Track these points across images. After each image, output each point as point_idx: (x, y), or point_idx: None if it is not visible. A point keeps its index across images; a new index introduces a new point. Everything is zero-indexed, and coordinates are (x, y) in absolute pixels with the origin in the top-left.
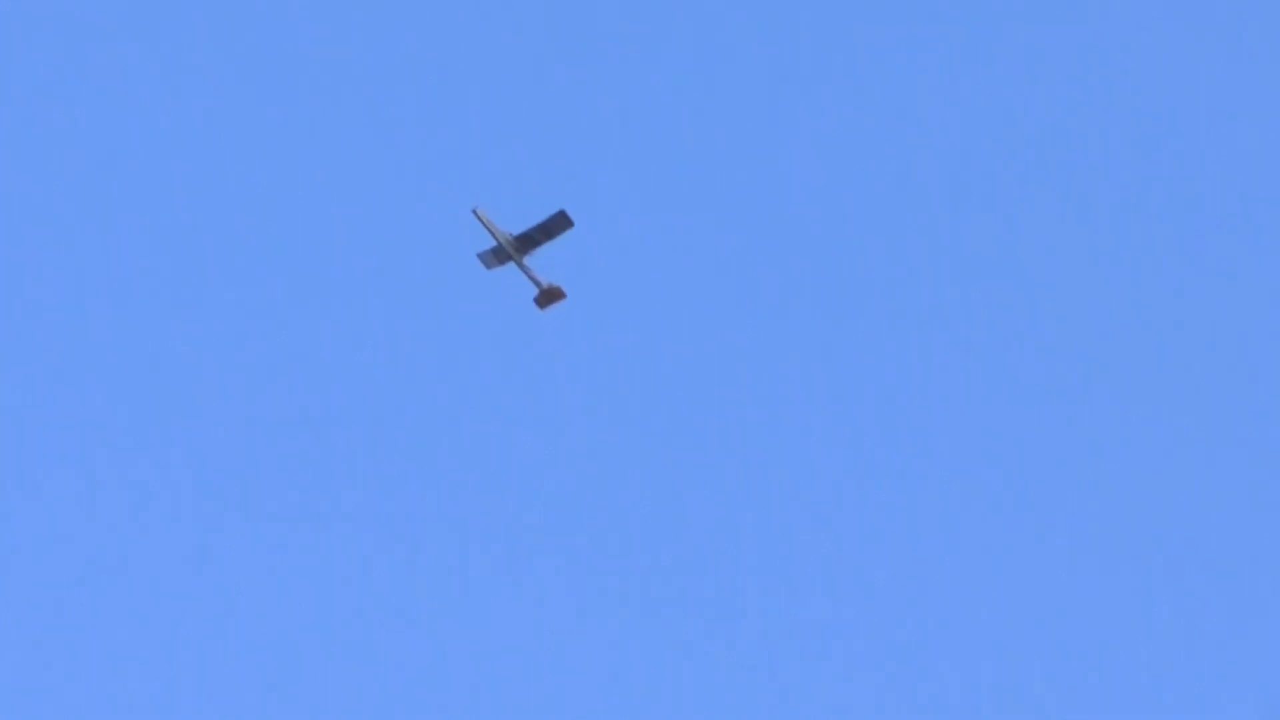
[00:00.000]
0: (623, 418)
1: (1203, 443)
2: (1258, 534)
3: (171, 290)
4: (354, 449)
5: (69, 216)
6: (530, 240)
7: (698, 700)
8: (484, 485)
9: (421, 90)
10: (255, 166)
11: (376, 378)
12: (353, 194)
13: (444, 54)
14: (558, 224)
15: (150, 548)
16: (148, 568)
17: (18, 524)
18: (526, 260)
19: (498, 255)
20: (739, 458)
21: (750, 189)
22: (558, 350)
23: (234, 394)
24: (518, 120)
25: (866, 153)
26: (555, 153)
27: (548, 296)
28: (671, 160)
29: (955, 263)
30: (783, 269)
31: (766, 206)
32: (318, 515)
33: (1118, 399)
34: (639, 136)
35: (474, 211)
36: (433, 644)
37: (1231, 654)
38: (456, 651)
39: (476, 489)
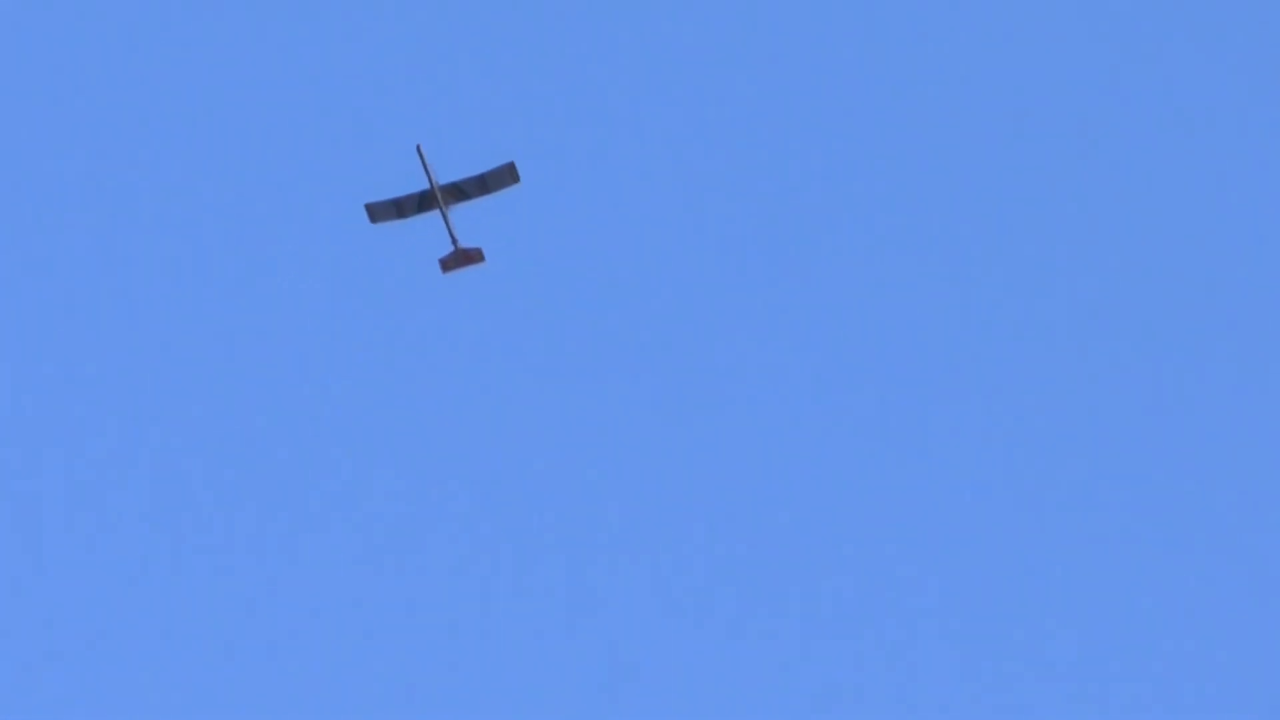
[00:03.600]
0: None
1: (1201, 442)
2: (1258, 534)
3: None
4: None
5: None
6: (460, 191)
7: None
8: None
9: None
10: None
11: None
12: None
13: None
14: (502, 177)
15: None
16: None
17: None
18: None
19: (399, 207)
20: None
21: (719, 175)
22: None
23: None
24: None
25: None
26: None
27: (460, 258)
28: (635, 135)
29: (943, 258)
30: (740, 255)
31: (736, 194)
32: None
33: (1117, 398)
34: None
35: (417, 148)
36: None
37: (1231, 654)
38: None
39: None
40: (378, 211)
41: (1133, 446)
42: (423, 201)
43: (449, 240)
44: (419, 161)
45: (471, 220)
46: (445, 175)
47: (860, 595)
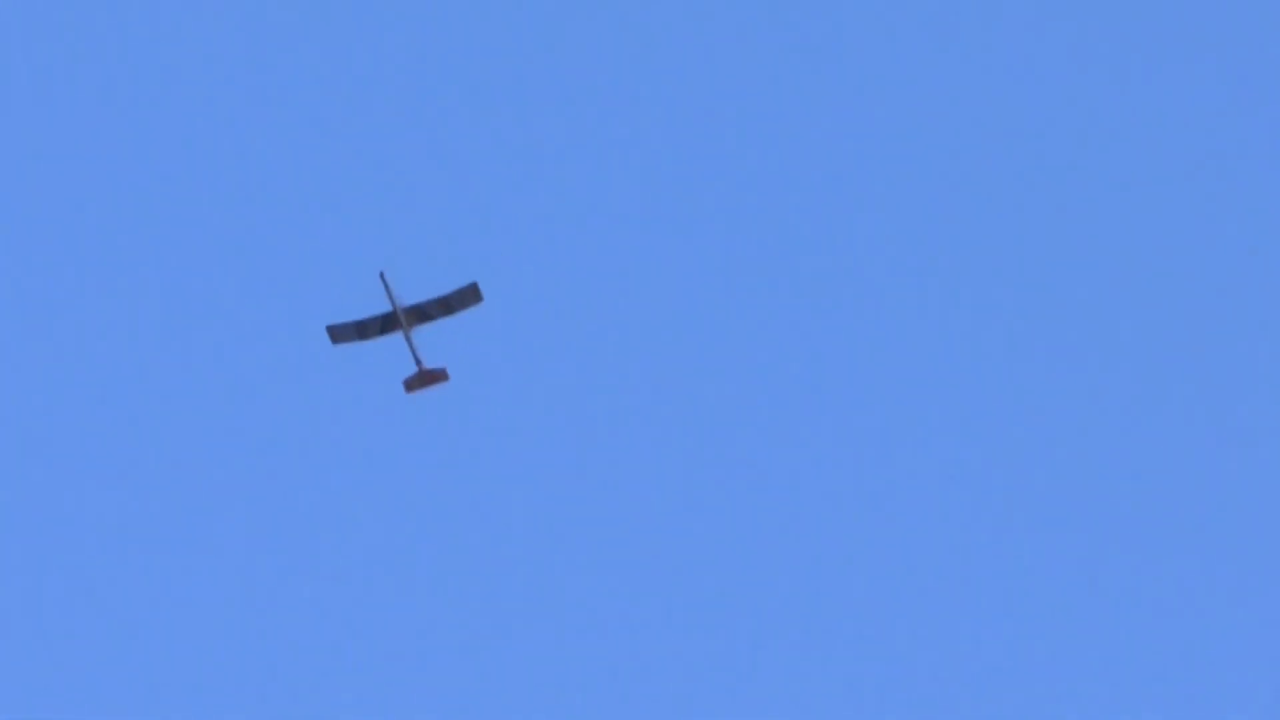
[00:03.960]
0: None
1: (1201, 441)
2: (1257, 535)
3: None
4: None
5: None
6: (423, 313)
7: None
8: None
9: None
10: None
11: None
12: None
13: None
14: (465, 297)
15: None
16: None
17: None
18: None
19: (362, 330)
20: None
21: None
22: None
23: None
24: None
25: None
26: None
27: (424, 379)
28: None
29: (933, 256)
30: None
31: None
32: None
33: (1116, 400)
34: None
35: (380, 275)
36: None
37: (1231, 654)
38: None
39: None
40: (339, 333)
41: (1131, 444)
42: (385, 324)
43: (412, 361)
44: (381, 285)
45: (434, 339)
46: (409, 296)
47: (859, 598)
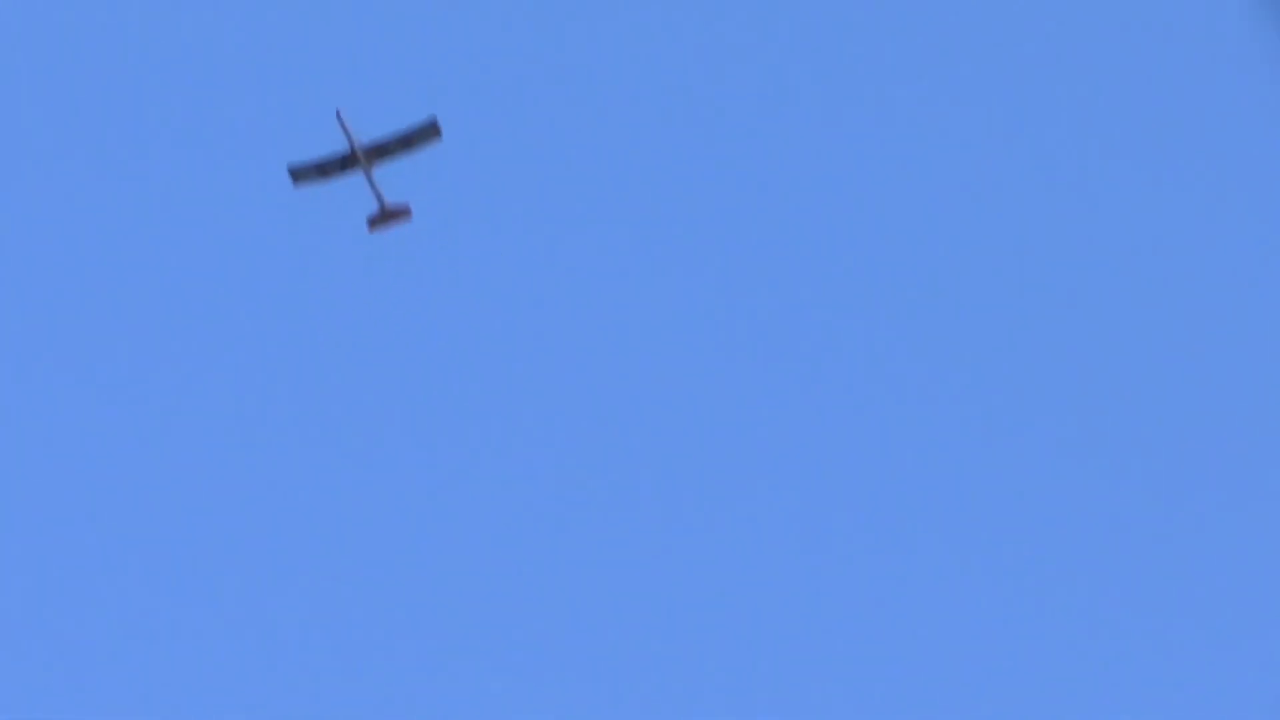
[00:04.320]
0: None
1: (1201, 441)
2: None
3: None
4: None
5: None
6: (383, 150)
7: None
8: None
9: None
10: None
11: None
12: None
13: None
14: (425, 133)
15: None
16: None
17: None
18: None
19: (323, 169)
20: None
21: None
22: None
23: None
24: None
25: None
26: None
27: (386, 216)
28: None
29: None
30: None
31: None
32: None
33: (1116, 402)
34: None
35: (337, 113)
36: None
37: (1231, 654)
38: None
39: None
40: (300, 174)
41: (1131, 445)
42: (345, 163)
43: (374, 199)
44: (338, 125)
45: (395, 177)
46: (366, 133)
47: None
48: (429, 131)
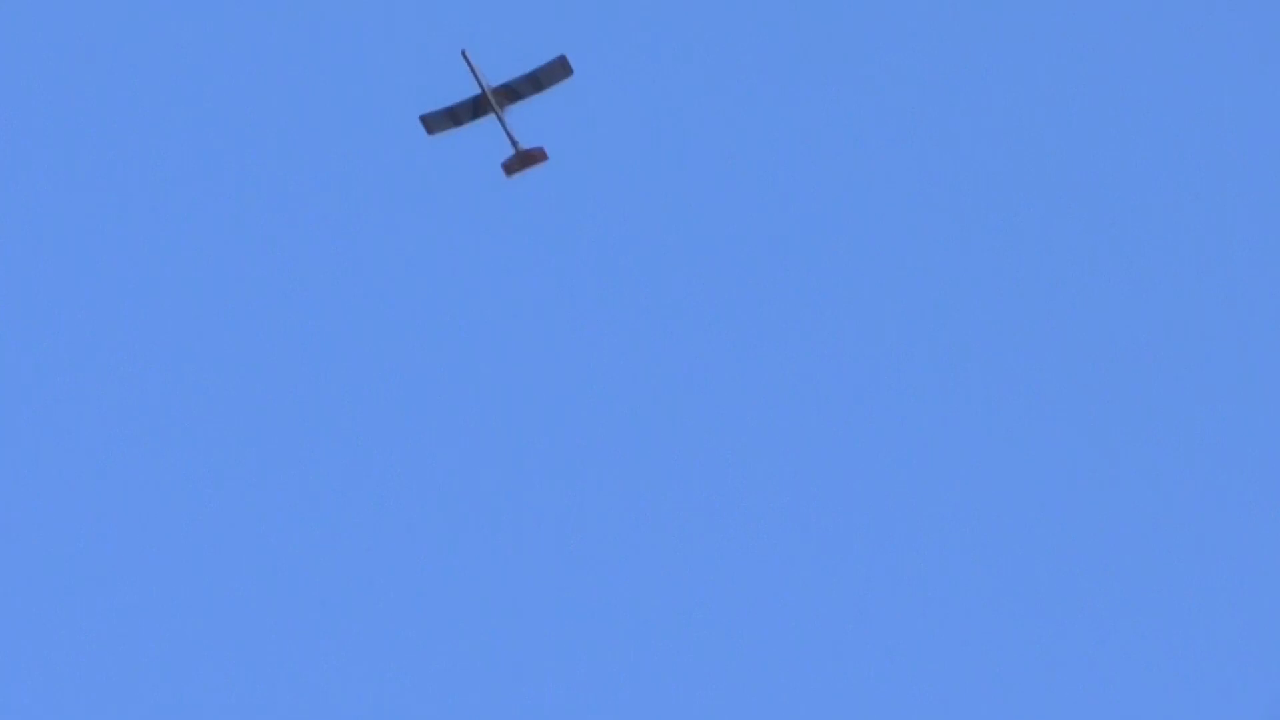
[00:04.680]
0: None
1: (1201, 443)
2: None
3: None
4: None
5: None
6: (514, 92)
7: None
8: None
9: None
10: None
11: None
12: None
13: None
14: (554, 72)
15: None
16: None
17: None
18: (507, 116)
19: (454, 116)
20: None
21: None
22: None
23: None
24: None
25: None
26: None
27: (523, 160)
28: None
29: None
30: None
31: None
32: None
33: (1115, 403)
34: None
35: (463, 54)
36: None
37: (1231, 654)
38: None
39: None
40: (433, 123)
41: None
42: (477, 107)
43: (509, 144)
44: (466, 68)
45: (528, 119)
46: (495, 77)
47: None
48: (560, 69)
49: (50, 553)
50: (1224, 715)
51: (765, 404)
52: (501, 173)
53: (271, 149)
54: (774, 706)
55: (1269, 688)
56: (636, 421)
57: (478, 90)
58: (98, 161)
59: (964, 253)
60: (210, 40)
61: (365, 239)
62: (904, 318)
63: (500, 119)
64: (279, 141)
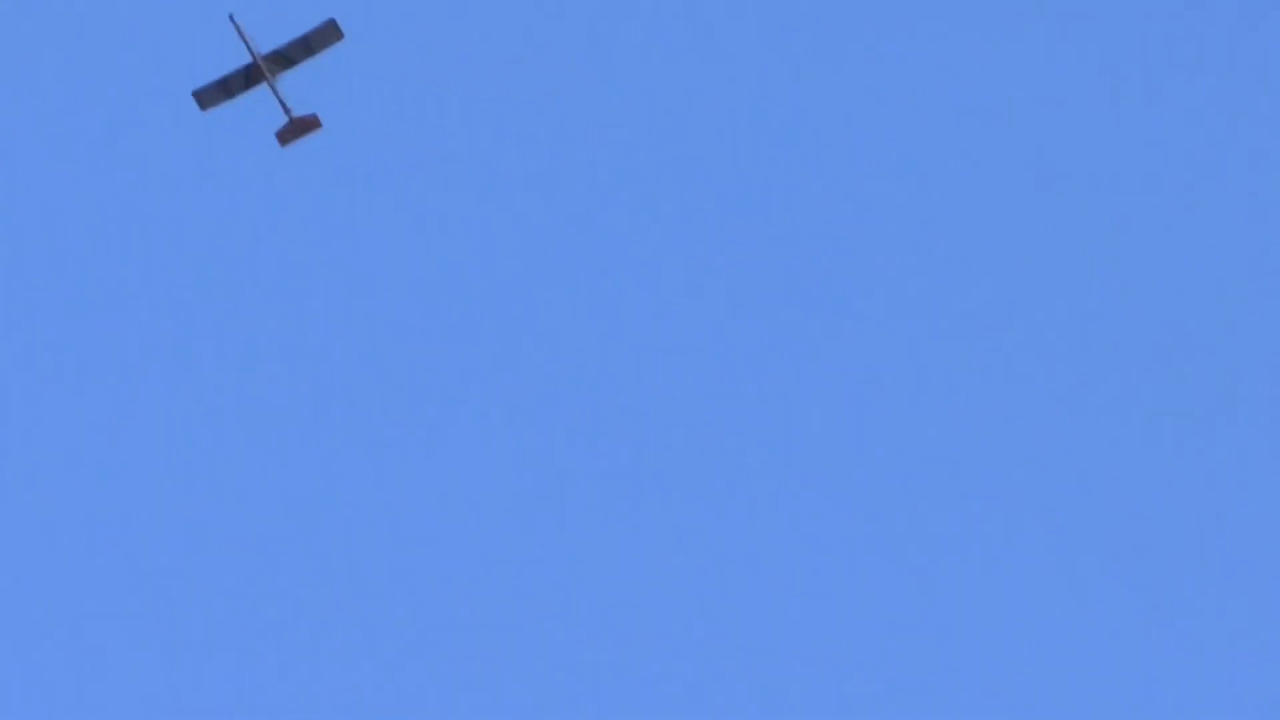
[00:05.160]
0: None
1: (1200, 443)
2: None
3: None
4: None
5: None
6: (285, 58)
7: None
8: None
9: None
10: None
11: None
12: None
13: None
14: (324, 36)
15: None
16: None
17: None
18: (278, 83)
19: (226, 88)
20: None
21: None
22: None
23: None
24: None
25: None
26: None
27: (297, 128)
28: None
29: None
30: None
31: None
32: None
33: (1114, 401)
34: None
35: (230, 17)
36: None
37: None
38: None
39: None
40: (206, 98)
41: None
42: (249, 77)
43: (281, 112)
44: (234, 33)
45: (300, 85)
46: (263, 44)
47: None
48: (330, 32)
49: (49, 553)
50: (1226, 714)
51: (759, 402)
52: (276, 142)
53: (49, 132)
54: (775, 706)
55: (1269, 687)
56: (629, 421)
57: (247, 58)
58: None
59: (960, 251)
60: None
61: (142, 220)
62: (904, 316)
63: (273, 87)
64: (56, 124)
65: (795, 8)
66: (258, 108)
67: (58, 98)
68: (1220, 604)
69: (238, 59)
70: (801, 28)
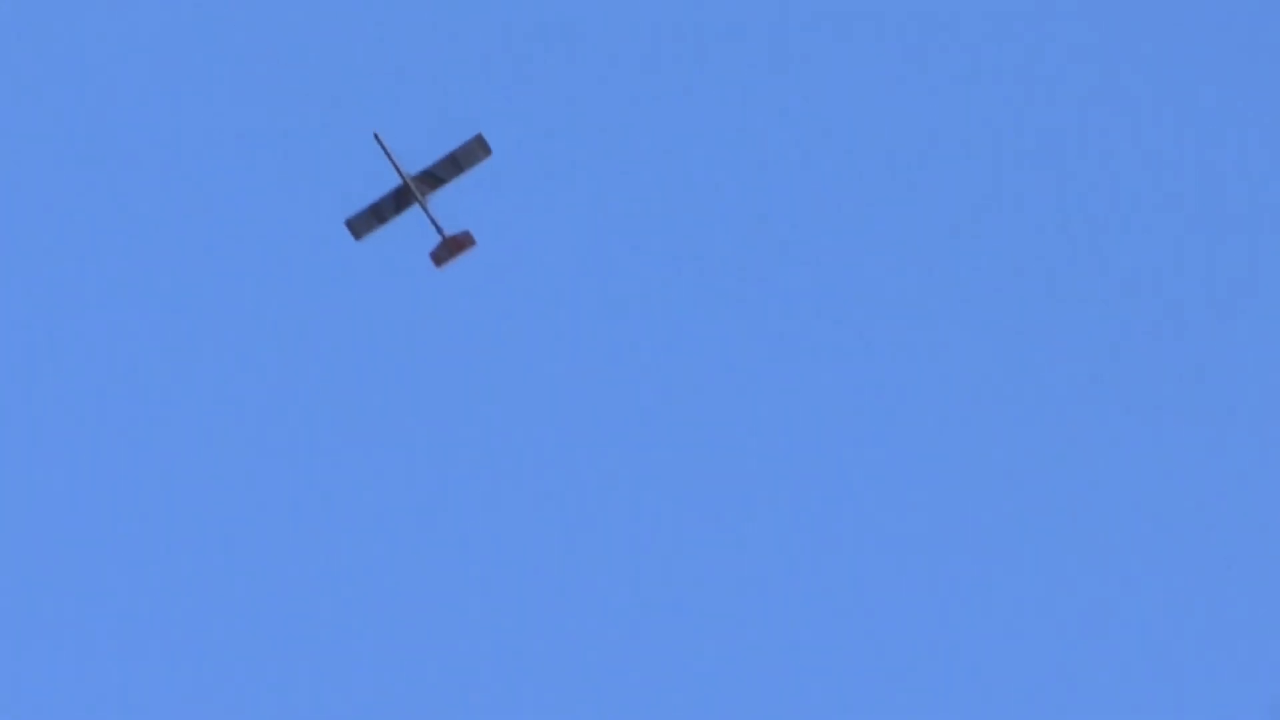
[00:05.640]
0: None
1: (1200, 443)
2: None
3: None
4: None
5: None
6: (435, 178)
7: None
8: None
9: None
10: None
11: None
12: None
13: None
14: (472, 152)
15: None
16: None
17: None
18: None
19: (378, 213)
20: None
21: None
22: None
23: None
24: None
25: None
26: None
27: (451, 248)
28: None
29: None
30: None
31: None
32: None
33: (1114, 401)
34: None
35: (375, 136)
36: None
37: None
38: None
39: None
40: (359, 226)
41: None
42: (399, 200)
43: (434, 231)
44: (381, 154)
45: (449, 204)
46: (411, 165)
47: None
48: (478, 149)
49: (49, 553)
50: (1226, 714)
51: (760, 401)
52: (431, 264)
53: (204, 270)
54: (775, 706)
55: (1269, 688)
56: (626, 422)
57: (397, 181)
58: None
59: (961, 251)
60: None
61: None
62: (903, 316)
63: (424, 207)
64: (211, 262)
65: (796, 7)
66: (410, 228)
67: (208, 228)
68: (1220, 604)
69: (385, 181)
70: (801, 27)
